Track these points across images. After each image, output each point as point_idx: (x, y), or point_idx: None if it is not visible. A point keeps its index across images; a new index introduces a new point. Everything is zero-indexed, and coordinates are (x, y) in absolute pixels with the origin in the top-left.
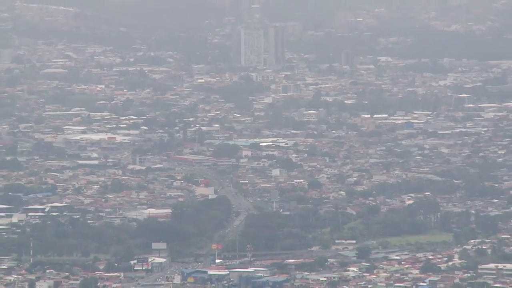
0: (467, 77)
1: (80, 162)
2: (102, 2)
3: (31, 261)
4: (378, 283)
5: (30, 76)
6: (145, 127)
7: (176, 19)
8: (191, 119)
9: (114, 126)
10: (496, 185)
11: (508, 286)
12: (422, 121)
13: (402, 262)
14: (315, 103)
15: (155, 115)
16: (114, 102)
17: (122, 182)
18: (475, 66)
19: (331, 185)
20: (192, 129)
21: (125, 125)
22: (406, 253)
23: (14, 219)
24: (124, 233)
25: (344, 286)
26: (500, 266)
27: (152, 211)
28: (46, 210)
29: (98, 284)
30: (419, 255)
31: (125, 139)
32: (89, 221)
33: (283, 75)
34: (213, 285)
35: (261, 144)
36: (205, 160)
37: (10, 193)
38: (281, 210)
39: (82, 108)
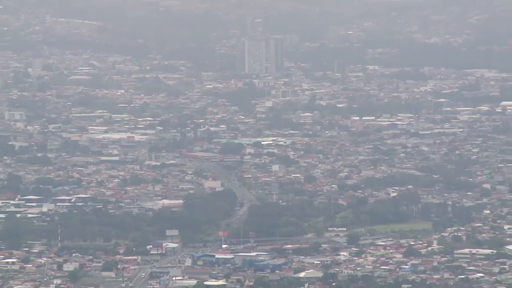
0: (445, 84)
1: (103, 158)
2: (122, 16)
3: (59, 246)
4: (366, 266)
5: (58, 82)
6: (160, 128)
7: (188, 32)
8: (201, 120)
9: (133, 126)
10: (470, 179)
11: (481, 269)
12: (405, 123)
13: (387, 247)
14: (311, 107)
15: (169, 117)
16: (132, 105)
17: (140, 176)
18: (452, 74)
19: (325, 179)
20: (202, 129)
21: (142, 126)
22: (390, 239)
23: (44, 209)
24: (141, 221)
25: (336, 269)
26: (474, 251)
27: (166, 201)
28: (72, 200)
29: (118, 266)
30: (402, 241)
31: (142, 138)
32: (110, 211)
33: (282, 82)
34: (220, 267)
35: (262, 142)
36: (213, 157)
37: (40, 186)
38: (280, 201)
39: (104, 111)
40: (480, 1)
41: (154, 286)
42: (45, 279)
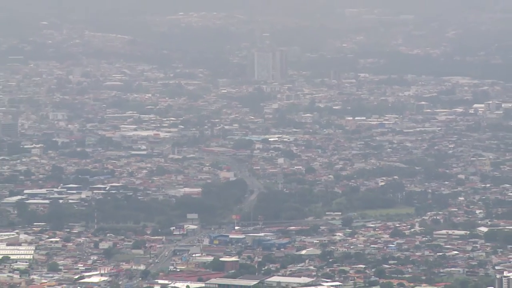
0: (425, 89)
1: (133, 152)
2: (149, 31)
3: (96, 227)
4: (358, 245)
5: (95, 87)
6: (182, 126)
7: (205, 44)
8: (217, 120)
9: (158, 125)
10: (447, 171)
11: (456, 247)
12: (392, 122)
13: (376, 229)
14: (311, 108)
15: (189, 117)
16: (158, 107)
17: (164, 168)
18: (431, 81)
19: (323, 170)
20: (217, 128)
21: (166, 125)
22: (379, 222)
23: (83, 195)
24: (166, 206)
25: (332, 247)
26: (450, 232)
27: (187, 189)
28: (107, 188)
29: (146, 244)
30: (389, 223)
31: (166, 135)
32: (139, 197)
33: (286, 87)
34: (233, 246)
35: (269, 139)
36: (227, 151)
37: (79, 176)
38: (285, 189)
39: (134, 112)
40: (456, 18)
41: (177, 262)
42: (83, 256)
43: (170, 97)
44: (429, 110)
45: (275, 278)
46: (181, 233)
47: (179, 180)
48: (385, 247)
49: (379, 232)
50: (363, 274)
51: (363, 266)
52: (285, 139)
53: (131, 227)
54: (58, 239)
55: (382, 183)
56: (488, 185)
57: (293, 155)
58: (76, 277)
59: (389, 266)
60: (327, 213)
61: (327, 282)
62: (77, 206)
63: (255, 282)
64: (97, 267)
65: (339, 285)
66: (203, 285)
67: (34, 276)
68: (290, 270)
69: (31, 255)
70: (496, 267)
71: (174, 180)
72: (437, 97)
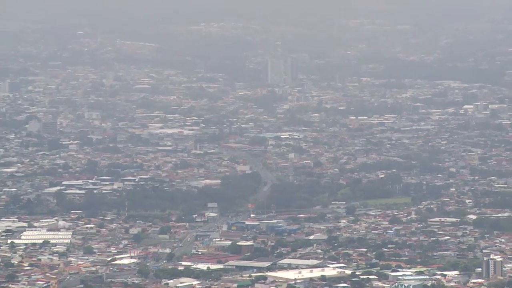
0: (421, 92)
1: (159, 148)
2: (174, 40)
3: (126, 215)
4: (360, 231)
5: (125, 90)
6: (203, 125)
7: (224, 51)
8: (234, 119)
9: (182, 124)
10: (440, 164)
11: (448, 233)
12: (391, 121)
13: (376, 216)
14: (318, 109)
15: (210, 116)
16: (182, 107)
17: (187, 162)
18: (426, 84)
19: (329, 164)
20: (235, 126)
21: (189, 123)
22: (379, 210)
23: (115, 186)
24: (189, 196)
25: (337, 233)
26: (442, 219)
27: (207, 181)
28: (136, 180)
29: (171, 230)
30: (388, 212)
31: (189, 133)
32: (165, 188)
33: (297, 90)
34: (249, 231)
35: (281, 136)
36: (243, 147)
37: (112, 169)
38: (295, 181)
39: (161, 112)
40: (448, 29)
41: (199, 246)
42: (115, 240)
43: (192, 99)
44: (424, 111)
45: (286, 260)
46: (202, 220)
47: (200, 172)
48: (384, 233)
49: (379, 219)
50: (364, 257)
51: (365, 249)
52: (295, 136)
53: (158, 215)
54: (92, 225)
55: (382, 176)
56: (476, 177)
57: (302, 151)
58: (109, 259)
59: (388, 250)
60: (332, 202)
61: (332, 264)
62: (110, 196)
63: (269, 264)
64: (128, 250)
65: (344, 266)
66: (222, 266)
67: (71, 258)
68: (300, 253)
69: (69, 240)
70: (484, 251)
71: (196, 172)
72: (431, 99)
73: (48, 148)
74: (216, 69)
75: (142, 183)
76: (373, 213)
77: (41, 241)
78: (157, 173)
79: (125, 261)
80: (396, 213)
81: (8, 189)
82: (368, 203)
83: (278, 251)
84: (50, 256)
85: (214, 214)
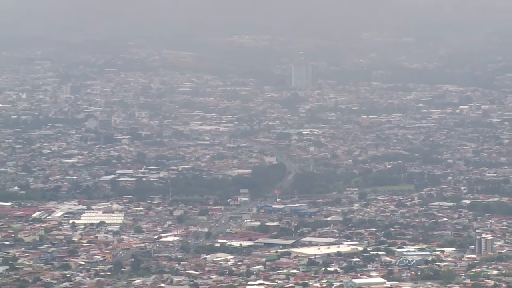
0: (423, 94)
1: (199, 142)
2: (212, 49)
3: (170, 199)
4: (371, 213)
5: (170, 92)
6: (236, 122)
7: (254, 59)
8: (263, 118)
9: (218, 121)
10: (439, 157)
11: (446, 215)
12: (397, 120)
13: (385, 201)
14: (335, 109)
15: (242, 115)
16: (218, 107)
17: (223, 154)
18: (427, 88)
19: (344, 156)
20: (263, 124)
21: (224, 121)
22: (387, 196)
23: (161, 175)
24: (224, 183)
25: (351, 215)
26: (441, 203)
27: (240, 170)
28: (179, 170)
29: (209, 212)
30: (394, 197)
31: (224, 129)
32: (203, 176)
33: (316, 93)
34: (275, 213)
35: (303, 132)
36: (270, 141)
37: (158, 160)
38: (315, 171)
39: (200, 111)
40: (446, 41)
41: (232, 226)
42: (161, 221)
43: (227, 100)
44: (425, 110)
45: (307, 238)
46: (235, 203)
47: (234, 163)
48: (391, 215)
49: (387, 203)
50: (374, 235)
51: (375, 229)
52: (315, 132)
53: (197, 199)
54: (141, 208)
55: (389, 166)
56: (470, 167)
57: (321, 145)
58: (156, 237)
59: (394, 230)
60: (347, 189)
61: (347, 241)
62: (156, 183)
63: (292, 241)
64: (172, 230)
65: (356, 244)
66: (252, 243)
67: (124, 236)
68: (319, 232)
69: (121, 220)
70: (476, 230)
71: (230, 163)
72: (432, 100)
73: (104, 142)
74: (247, 75)
75: (184, 172)
76: (382, 198)
77: (97, 221)
78: (197, 164)
79: (169, 238)
80: (401, 198)
81: (69, 177)
82: (377, 189)
83: (300, 230)
84: (106, 234)
85: (245, 199)
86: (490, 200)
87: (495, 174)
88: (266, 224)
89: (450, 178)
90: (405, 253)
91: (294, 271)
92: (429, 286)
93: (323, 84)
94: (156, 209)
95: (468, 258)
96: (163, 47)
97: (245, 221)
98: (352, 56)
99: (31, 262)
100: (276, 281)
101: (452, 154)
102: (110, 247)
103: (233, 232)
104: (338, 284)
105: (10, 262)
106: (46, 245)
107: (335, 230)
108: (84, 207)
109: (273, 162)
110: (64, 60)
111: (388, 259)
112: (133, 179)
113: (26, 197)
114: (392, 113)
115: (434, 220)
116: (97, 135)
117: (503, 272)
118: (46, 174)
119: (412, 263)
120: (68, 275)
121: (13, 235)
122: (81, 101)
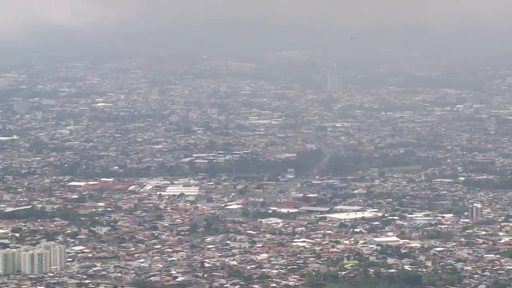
0: (428, 96)
1: (256, 132)
2: (266, 62)
3: (234, 176)
4: (388, 187)
5: (234, 94)
6: (285, 117)
7: (299, 69)
8: (305, 114)
9: (271, 117)
10: (441, 144)
11: (446, 189)
12: (408, 116)
13: (399, 178)
14: (360, 107)
15: (289, 112)
16: (271, 106)
17: (274, 141)
18: (432, 91)
19: (367, 144)
20: (305, 119)
21: (275, 117)
22: (400, 174)
23: (227, 158)
24: (275, 164)
25: (373, 188)
26: (442, 180)
27: (287, 154)
28: (241, 154)
29: (264, 187)
30: (406, 175)
31: (275, 123)
32: (259, 159)
33: (346, 95)
34: (314, 188)
35: (336, 125)
36: (311, 132)
37: (225, 146)
38: (345, 155)
39: (257, 109)
40: (446, 54)
41: (282, 197)
42: (227, 193)
43: (277, 100)
44: (430, 109)
45: (339, 207)
46: (284, 180)
47: (283, 149)
48: (404, 189)
49: (400, 180)
50: (390, 205)
51: (391, 200)
52: (345, 125)
53: (255, 176)
54: (212, 183)
55: (402, 151)
56: (464, 152)
57: (350, 135)
58: (223, 205)
59: (406, 200)
60: (369, 168)
61: (369, 209)
62: (223, 164)
63: (327, 209)
64: (235, 199)
65: (377, 211)
66: (297, 210)
67: (199, 205)
68: (348, 202)
69: (197, 192)
70: (469, 201)
71: (280, 149)
72: (435, 101)
73: (183, 132)
74: (293, 81)
75: (244, 155)
76: (396, 176)
77: (178, 193)
78: (254, 149)
79: (234, 206)
80: (411, 176)
81: (157, 159)
82: (393, 169)
83: (333, 200)
84: (184, 203)
85: (291, 176)
86: (480, 177)
87: (484, 158)
88: (307, 195)
89: (449, 160)
90: (414, 218)
91: (329, 231)
92: (433, 243)
93: (351, 88)
94: (223, 184)
95: (463, 222)
96: (229, 60)
97: (291, 193)
98: (374, 67)
99: (128, 224)
100: (315, 239)
101: (451, 142)
102: (188, 212)
103: (282, 201)
104: (363, 241)
105: (112, 224)
106: (139, 211)
107: (360, 200)
108: (168, 182)
109: (313, 148)
110: (153, 70)
111: (401, 222)
112: (206, 161)
113: (124, 174)
114: (404, 110)
115: (436, 192)
116: (178, 127)
117: (490, 232)
118: (139, 157)
119: (419, 225)
120: (156, 234)
121: (114, 203)
122: (166, 101)
